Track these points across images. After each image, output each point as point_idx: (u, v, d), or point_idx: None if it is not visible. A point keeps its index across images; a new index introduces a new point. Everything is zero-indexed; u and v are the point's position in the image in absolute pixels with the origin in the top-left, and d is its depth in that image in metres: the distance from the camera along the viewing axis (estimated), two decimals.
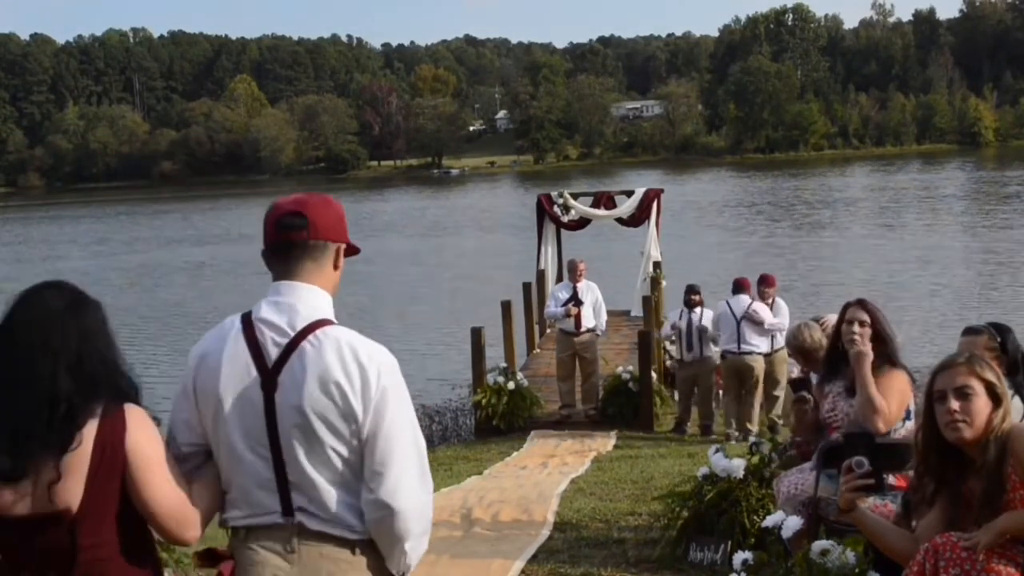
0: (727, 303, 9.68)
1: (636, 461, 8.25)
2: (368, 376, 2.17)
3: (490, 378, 10.75)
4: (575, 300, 10.55)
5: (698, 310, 10.17)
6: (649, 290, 13.72)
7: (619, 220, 16.23)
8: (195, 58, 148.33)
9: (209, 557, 2.29)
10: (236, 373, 2.21)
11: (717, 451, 4.96)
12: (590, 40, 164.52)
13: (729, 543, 4.61)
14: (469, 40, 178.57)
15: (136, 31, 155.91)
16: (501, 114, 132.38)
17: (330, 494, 2.19)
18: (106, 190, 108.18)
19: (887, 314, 4.17)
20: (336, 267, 2.34)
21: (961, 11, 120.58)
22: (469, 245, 39.11)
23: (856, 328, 4.02)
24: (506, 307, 12.36)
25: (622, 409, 10.58)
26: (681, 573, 4.71)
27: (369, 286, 29.50)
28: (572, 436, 9.97)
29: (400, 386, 2.23)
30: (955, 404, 2.75)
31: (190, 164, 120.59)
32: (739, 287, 9.71)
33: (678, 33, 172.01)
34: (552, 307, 10.85)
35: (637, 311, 14.63)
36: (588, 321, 10.62)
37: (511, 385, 10.65)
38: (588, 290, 10.75)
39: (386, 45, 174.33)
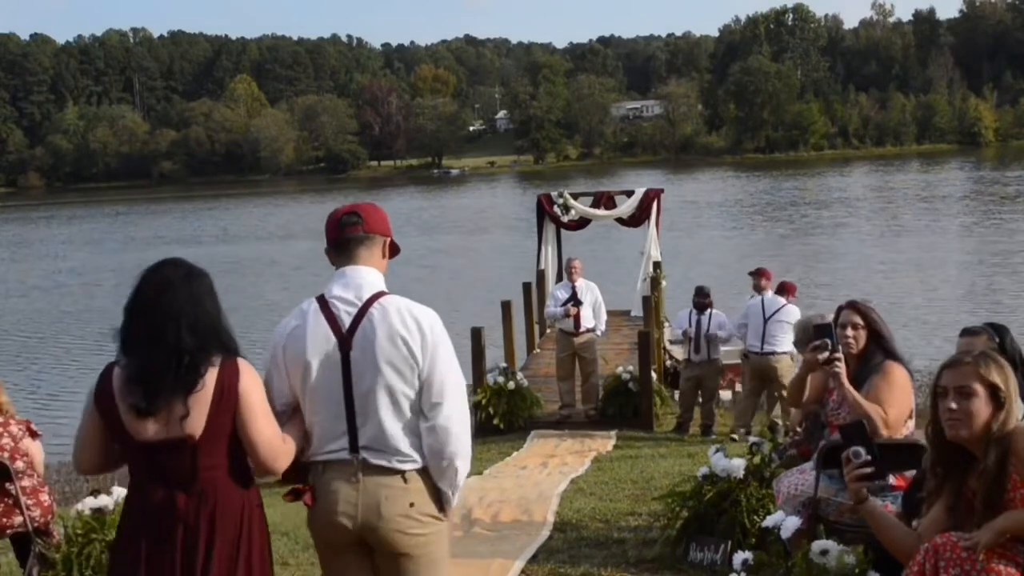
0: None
1: (636, 461, 8.25)
2: (424, 330, 2.80)
3: (490, 378, 10.75)
4: (574, 300, 10.54)
5: (708, 312, 10.13)
6: (649, 290, 13.71)
7: (619, 220, 16.23)
8: (195, 58, 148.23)
9: (294, 493, 2.85)
10: (318, 341, 2.80)
11: (717, 451, 4.96)
12: (590, 40, 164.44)
13: (729, 543, 4.60)
14: (469, 40, 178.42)
15: (136, 31, 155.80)
16: (501, 114, 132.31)
17: (390, 430, 2.78)
18: (106, 190, 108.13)
19: (884, 313, 4.17)
20: (384, 255, 2.97)
21: (961, 11, 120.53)
22: (469, 245, 39.10)
23: (849, 332, 4.01)
24: (506, 307, 12.36)
25: (622, 409, 10.56)
26: (681, 573, 4.71)
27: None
28: (572, 436, 9.96)
29: (446, 337, 2.85)
30: (953, 403, 2.76)
31: (190, 164, 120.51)
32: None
33: (678, 33, 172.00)
34: (551, 307, 10.84)
35: (637, 311, 14.63)
36: (588, 321, 10.61)
37: (511, 385, 10.64)
38: (587, 290, 10.74)
39: (386, 45, 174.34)
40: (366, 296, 2.83)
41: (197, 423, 2.62)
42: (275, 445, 2.72)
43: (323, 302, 2.85)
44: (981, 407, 2.74)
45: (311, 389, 2.81)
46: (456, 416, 2.81)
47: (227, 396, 2.65)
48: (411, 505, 2.80)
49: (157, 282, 2.71)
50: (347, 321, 2.81)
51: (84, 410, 2.74)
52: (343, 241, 2.90)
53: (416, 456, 2.81)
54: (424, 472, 2.82)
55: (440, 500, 2.87)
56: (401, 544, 2.81)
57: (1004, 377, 2.80)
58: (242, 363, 2.71)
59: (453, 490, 2.87)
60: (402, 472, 2.79)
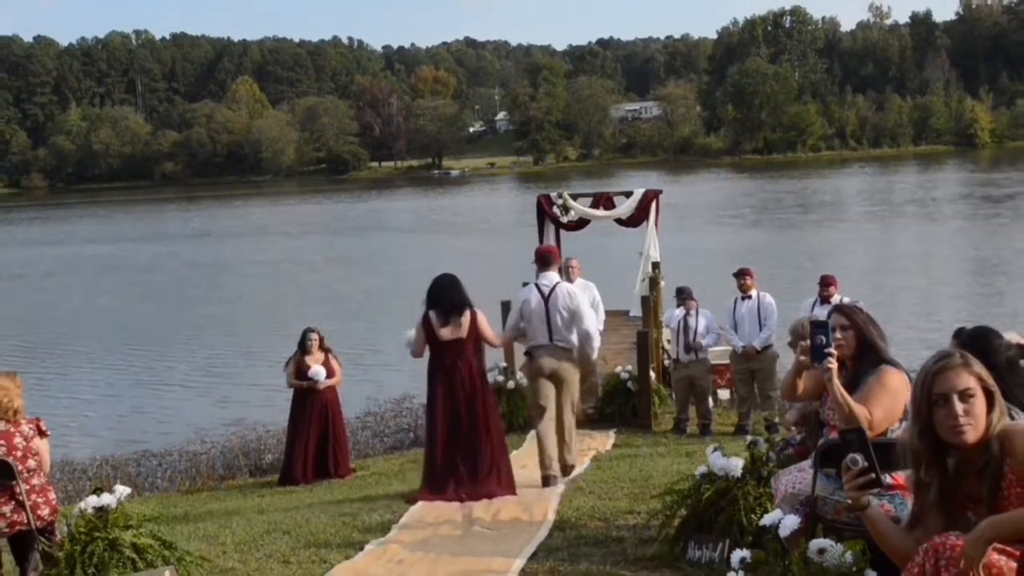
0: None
1: (635, 460, 8.27)
2: (575, 296, 7.36)
3: (489, 378, 10.71)
4: None
5: (693, 311, 10.18)
6: (648, 290, 13.73)
7: (618, 220, 16.20)
8: (197, 60, 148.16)
9: (528, 355, 7.42)
10: (536, 300, 7.28)
11: (715, 450, 4.99)
12: (589, 42, 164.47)
13: (727, 541, 4.63)
14: (469, 42, 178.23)
15: (139, 33, 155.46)
16: (501, 115, 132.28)
17: (565, 333, 7.23)
18: (108, 191, 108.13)
19: (878, 315, 4.18)
20: (559, 268, 8.13)
21: (957, 13, 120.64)
22: (469, 245, 39.09)
23: (838, 334, 4.03)
24: (506, 307, 12.35)
25: (621, 408, 10.61)
26: (679, 571, 4.72)
27: (371, 284, 29.52)
28: None
29: (583, 296, 7.69)
30: (960, 408, 2.66)
31: (192, 165, 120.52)
32: (823, 283, 9.94)
33: (677, 35, 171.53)
34: None
35: (636, 311, 14.63)
36: None
37: (510, 385, 10.67)
38: (585, 289, 10.73)
39: (387, 47, 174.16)
40: (553, 283, 7.25)
41: (464, 331, 6.83)
42: (495, 339, 7.10)
43: (536, 285, 7.23)
44: (981, 406, 2.68)
45: (531, 320, 7.17)
46: (591, 329, 7.29)
47: (474, 322, 6.87)
48: (574, 360, 7.26)
49: (446, 279, 6.94)
50: (546, 292, 7.19)
51: (416, 331, 6.91)
52: (544, 263, 7.36)
53: (575, 342, 7.20)
54: (576, 349, 7.20)
55: (582, 359, 7.35)
56: (567, 376, 7.25)
57: (987, 373, 2.75)
58: (478, 310, 6.92)
59: (592, 354, 7.52)
60: (572, 348, 7.21)
